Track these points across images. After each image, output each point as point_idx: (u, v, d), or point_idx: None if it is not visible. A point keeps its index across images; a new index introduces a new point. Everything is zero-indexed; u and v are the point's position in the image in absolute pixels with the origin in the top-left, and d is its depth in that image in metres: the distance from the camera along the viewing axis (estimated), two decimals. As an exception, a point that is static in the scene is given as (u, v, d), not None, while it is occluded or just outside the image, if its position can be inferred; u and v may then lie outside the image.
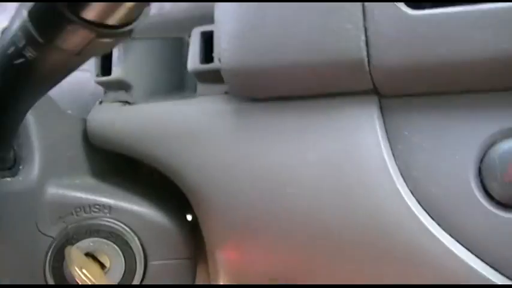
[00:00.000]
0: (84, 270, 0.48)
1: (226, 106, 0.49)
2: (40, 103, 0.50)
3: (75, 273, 0.48)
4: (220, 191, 0.48)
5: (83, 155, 0.55)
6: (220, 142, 0.49)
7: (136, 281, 0.53)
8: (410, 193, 0.45)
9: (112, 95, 0.57)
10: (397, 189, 0.44)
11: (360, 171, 0.45)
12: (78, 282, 0.48)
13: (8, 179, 0.46)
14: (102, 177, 0.56)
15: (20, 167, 0.48)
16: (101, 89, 0.57)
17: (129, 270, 0.52)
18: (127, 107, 0.55)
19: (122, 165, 0.58)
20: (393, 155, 0.45)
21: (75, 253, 0.49)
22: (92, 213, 0.51)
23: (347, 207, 0.45)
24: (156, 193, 0.55)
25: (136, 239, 0.52)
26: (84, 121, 0.55)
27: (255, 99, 0.48)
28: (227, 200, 0.48)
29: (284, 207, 0.47)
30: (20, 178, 0.47)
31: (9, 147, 0.46)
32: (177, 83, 0.57)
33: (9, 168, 0.47)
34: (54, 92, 0.53)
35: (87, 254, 0.52)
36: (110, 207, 0.52)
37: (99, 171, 0.56)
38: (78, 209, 0.51)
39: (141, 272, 0.53)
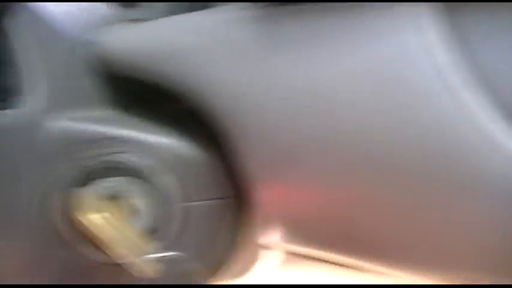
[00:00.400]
0: (94, 216, 0.41)
1: (247, 12, 0.41)
2: (43, 29, 0.44)
3: (79, 221, 0.41)
4: (247, 111, 0.40)
5: (99, 84, 0.47)
6: (242, 55, 0.40)
7: (172, 227, 0.45)
8: (488, 106, 0.34)
9: (123, 14, 0.49)
10: (467, 102, 0.34)
11: (411, 83, 0.35)
12: (86, 231, 0.41)
13: (3, 111, 0.40)
14: (124, 109, 0.48)
15: (17, 99, 0.41)
16: (113, 12, 0.50)
17: (161, 214, 0.45)
18: (139, 24, 0.47)
19: (147, 97, 0.50)
20: (461, 56, 0.35)
21: (85, 196, 0.42)
22: (110, 147, 0.44)
23: (400, 129, 0.35)
24: (189, 125, 0.47)
25: (166, 176, 0.45)
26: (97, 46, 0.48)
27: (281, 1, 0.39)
28: (255, 121, 0.40)
29: (322, 130, 0.38)
30: (18, 110, 0.40)
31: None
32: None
33: (3, 100, 0.40)
34: (64, 18, 0.47)
35: (111, 198, 0.45)
36: (131, 140, 0.44)
37: (119, 102, 0.48)
38: (93, 144, 0.43)
39: (176, 216, 0.45)
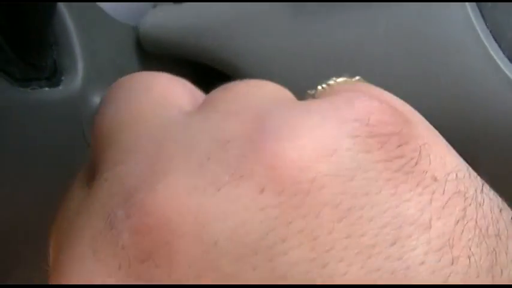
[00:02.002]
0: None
1: None
2: (82, 10, 0.46)
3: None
4: (281, 79, 0.42)
5: (135, 64, 0.50)
6: (277, 25, 0.42)
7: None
8: (507, 60, 0.37)
9: (163, -3, 0.51)
10: (490, 54, 0.37)
11: (441, 38, 0.37)
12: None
13: (46, 88, 0.41)
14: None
15: (62, 78, 0.43)
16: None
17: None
18: (180, 5, 0.49)
19: (181, 76, 0.52)
20: (481, 15, 0.37)
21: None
22: (146, 122, 0.46)
23: (428, 82, 0.38)
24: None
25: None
26: (137, 29, 0.50)
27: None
28: (290, 88, 0.42)
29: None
30: (61, 88, 0.43)
31: (42, 54, 0.42)
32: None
33: (48, 78, 0.42)
34: (106, 4, 0.50)
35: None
36: (164, 114, 0.46)
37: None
38: (130, 120, 0.46)
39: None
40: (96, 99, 0.45)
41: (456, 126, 0.37)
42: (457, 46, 0.37)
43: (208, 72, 0.48)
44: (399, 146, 0.20)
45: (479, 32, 0.36)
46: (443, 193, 0.19)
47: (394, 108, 0.21)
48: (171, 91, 0.26)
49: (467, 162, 0.23)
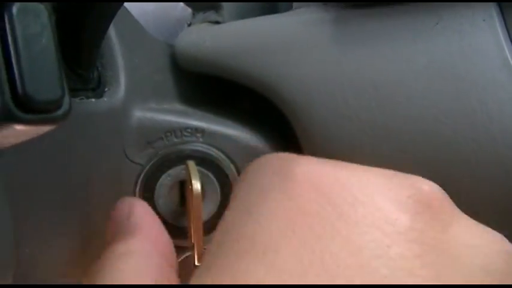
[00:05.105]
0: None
1: (324, 14, 0.44)
2: (125, 25, 0.47)
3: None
4: (321, 104, 0.43)
5: (171, 80, 0.51)
6: (320, 53, 0.43)
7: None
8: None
9: (201, 16, 0.53)
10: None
11: (479, 76, 0.39)
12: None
13: (92, 99, 0.43)
14: (193, 103, 0.51)
15: (106, 89, 0.44)
16: (187, 15, 0.54)
17: (225, 199, 0.48)
18: (217, 26, 0.51)
19: (213, 93, 0.54)
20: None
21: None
22: (184, 137, 0.47)
23: (465, 117, 0.40)
24: (252, 118, 0.51)
25: (232, 166, 0.48)
26: (171, 47, 0.52)
27: (357, 5, 0.43)
28: (329, 113, 0.43)
29: (392, 120, 0.42)
30: (105, 99, 0.44)
31: (91, 66, 0.43)
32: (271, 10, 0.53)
33: (93, 89, 0.43)
34: (139, 20, 0.51)
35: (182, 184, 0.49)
36: (203, 131, 0.48)
37: (189, 97, 0.52)
38: (169, 134, 0.47)
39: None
40: (136, 112, 0.46)
41: (493, 160, 0.39)
42: (493, 84, 0.39)
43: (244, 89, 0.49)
44: None
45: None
46: None
47: None
48: None
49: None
